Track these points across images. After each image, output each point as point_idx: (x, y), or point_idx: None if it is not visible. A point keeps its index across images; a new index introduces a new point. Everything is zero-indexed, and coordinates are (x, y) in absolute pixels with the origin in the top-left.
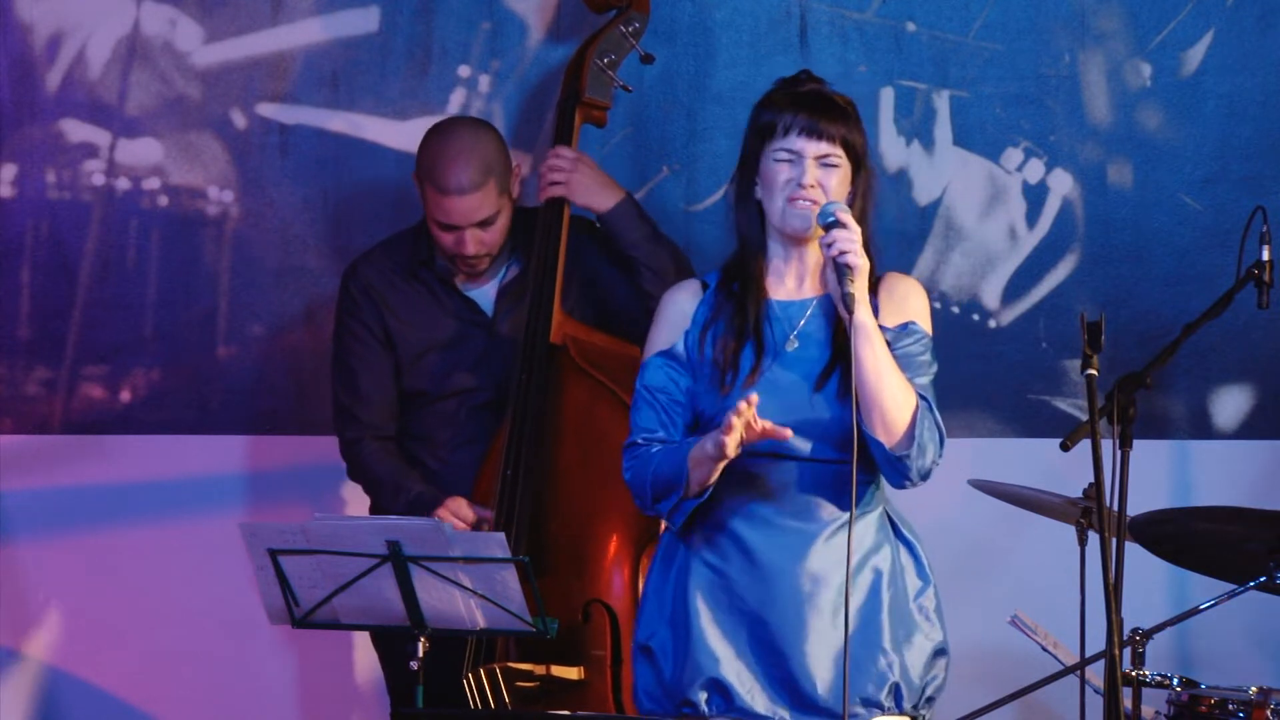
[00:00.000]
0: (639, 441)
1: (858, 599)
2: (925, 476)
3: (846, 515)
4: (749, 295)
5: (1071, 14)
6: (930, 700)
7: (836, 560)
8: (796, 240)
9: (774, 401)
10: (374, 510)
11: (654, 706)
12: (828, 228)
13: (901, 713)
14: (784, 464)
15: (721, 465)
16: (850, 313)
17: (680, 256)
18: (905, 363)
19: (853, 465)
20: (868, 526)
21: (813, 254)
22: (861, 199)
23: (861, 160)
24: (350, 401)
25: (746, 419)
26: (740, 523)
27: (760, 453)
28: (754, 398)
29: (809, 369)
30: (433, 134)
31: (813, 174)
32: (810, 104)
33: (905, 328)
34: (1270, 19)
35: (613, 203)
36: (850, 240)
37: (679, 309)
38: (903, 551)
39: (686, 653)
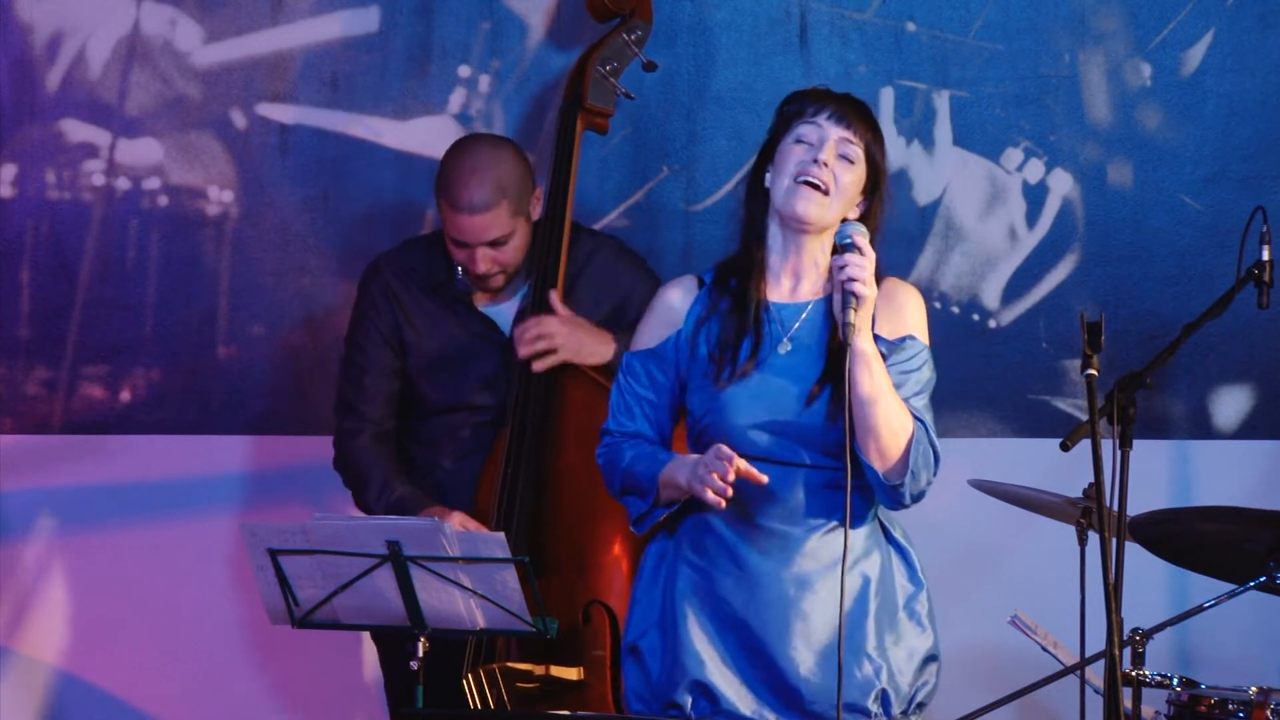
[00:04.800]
0: (613, 431)
1: (845, 605)
2: (918, 499)
3: (833, 521)
4: (747, 291)
5: (1071, 14)
6: (921, 706)
7: (822, 564)
8: (795, 231)
9: (763, 404)
10: (356, 502)
11: (642, 707)
12: (843, 249)
13: (889, 718)
14: (771, 468)
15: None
16: (848, 343)
17: None
18: (902, 380)
19: (846, 499)
20: (858, 532)
21: (810, 253)
22: (873, 220)
23: (879, 180)
24: (354, 396)
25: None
26: (726, 526)
27: (749, 456)
28: (740, 464)
29: (801, 374)
30: (452, 150)
31: (829, 154)
32: (844, 100)
33: (902, 342)
34: (1270, 19)
35: (609, 356)
36: (861, 268)
37: (670, 306)
38: (894, 556)
39: (674, 655)
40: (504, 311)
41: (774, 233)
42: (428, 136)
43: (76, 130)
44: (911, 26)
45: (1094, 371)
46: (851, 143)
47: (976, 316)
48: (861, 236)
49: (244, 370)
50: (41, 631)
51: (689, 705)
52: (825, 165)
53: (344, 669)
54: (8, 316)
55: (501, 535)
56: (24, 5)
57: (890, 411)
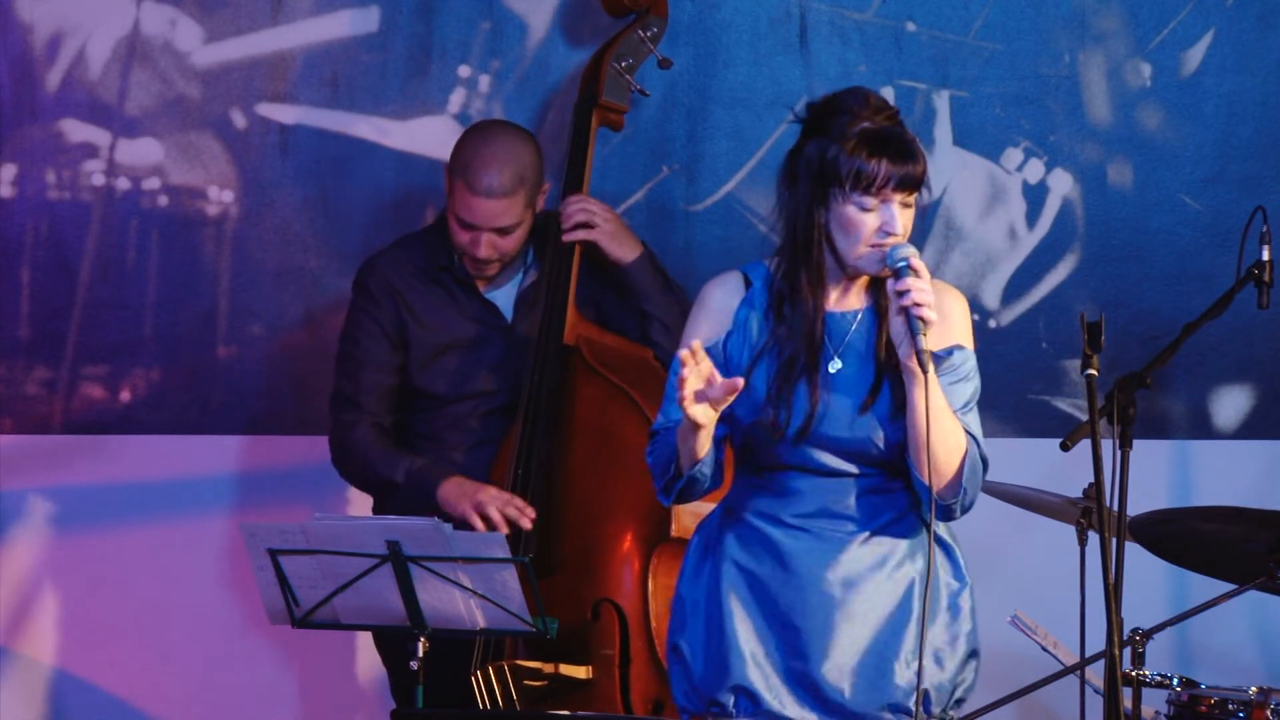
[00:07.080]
0: (657, 430)
1: (890, 604)
2: (968, 510)
3: (880, 521)
4: (810, 316)
5: (1071, 14)
6: (959, 702)
7: (868, 566)
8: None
9: (820, 420)
10: (365, 487)
11: (689, 705)
12: (898, 273)
13: (930, 717)
14: (820, 479)
15: (703, 435)
16: (925, 371)
17: (688, 307)
18: (951, 392)
19: (929, 539)
20: (901, 534)
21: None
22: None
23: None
24: (351, 390)
25: (696, 372)
26: (772, 527)
27: (794, 466)
28: (697, 345)
29: (852, 389)
30: (475, 131)
31: (901, 221)
32: (900, 152)
33: (950, 353)
34: (1270, 19)
35: (635, 255)
36: (925, 292)
37: (721, 305)
38: (938, 553)
39: (718, 653)
40: (504, 295)
41: (828, 255)
42: (428, 136)
43: (76, 130)
44: (911, 26)
45: (1094, 371)
46: (912, 192)
47: (976, 316)
48: (916, 258)
49: (244, 370)
50: (41, 631)
51: (731, 704)
52: (900, 234)
53: (344, 669)
54: (8, 316)
55: (501, 535)
56: (24, 5)
57: (947, 431)
